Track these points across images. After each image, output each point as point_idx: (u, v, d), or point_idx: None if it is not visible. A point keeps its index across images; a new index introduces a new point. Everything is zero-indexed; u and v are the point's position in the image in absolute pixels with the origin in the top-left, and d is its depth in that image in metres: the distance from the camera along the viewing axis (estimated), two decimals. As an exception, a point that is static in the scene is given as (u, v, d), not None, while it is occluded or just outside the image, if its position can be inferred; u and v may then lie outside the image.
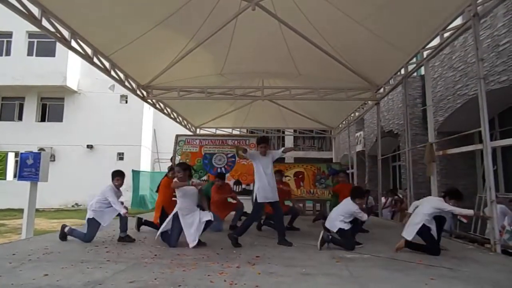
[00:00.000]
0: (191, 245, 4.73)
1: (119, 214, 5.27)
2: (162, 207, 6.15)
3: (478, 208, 8.54)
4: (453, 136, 6.97)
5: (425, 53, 6.78)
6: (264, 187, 5.17)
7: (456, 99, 9.07)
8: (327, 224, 5.18)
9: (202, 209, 5.21)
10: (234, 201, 7.06)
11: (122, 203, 5.52)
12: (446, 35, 6.09)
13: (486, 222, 6.43)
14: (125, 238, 5.20)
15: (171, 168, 6.75)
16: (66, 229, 5.21)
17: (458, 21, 5.89)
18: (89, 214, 5.20)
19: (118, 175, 5.51)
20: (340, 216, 5.04)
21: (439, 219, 4.66)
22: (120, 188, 5.55)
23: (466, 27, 5.58)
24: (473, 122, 5.62)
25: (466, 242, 5.70)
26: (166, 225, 5.01)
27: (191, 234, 4.81)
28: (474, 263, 4.11)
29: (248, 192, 8.46)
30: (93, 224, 5.16)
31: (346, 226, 4.96)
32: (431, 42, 6.52)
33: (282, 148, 5.49)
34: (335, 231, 5.02)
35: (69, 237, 5.24)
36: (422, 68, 7.68)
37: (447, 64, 9.69)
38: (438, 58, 9.73)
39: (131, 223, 6.46)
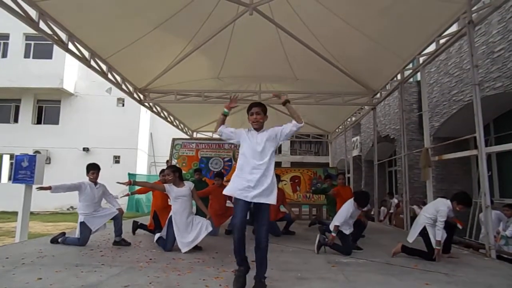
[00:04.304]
0: (183, 251, 4.70)
1: (113, 218, 5.24)
2: (154, 211, 6.14)
3: (474, 214, 8.59)
4: (448, 142, 7.02)
5: (421, 59, 6.84)
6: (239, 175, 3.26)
7: (452, 104, 9.14)
8: (330, 227, 5.13)
9: (203, 214, 5.18)
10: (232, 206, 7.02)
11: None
12: (442, 41, 6.15)
13: (481, 227, 6.45)
14: (120, 242, 5.15)
15: (162, 171, 6.75)
16: (60, 239, 5.15)
17: (453, 28, 5.97)
18: (80, 218, 5.15)
19: (93, 168, 5.30)
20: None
21: (448, 225, 4.57)
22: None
23: (461, 33, 5.64)
24: (469, 127, 5.66)
25: (461, 247, 5.71)
26: (163, 230, 5.00)
27: (184, 241, 4.75)
28: (469, 268, 4.12)
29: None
30: (85, 228, 5.11)
31: (347, 230, 4.89)
32: (427, 48, 6.59)
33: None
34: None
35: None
36: (418, 74, 7.74)
37: (443, 70, 9.78)
38: (434, 64, 9.82)
39: (126, 228, 6.45)
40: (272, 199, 3.15)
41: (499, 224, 6.38)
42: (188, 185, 5.02)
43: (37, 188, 5.13)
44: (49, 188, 4.92)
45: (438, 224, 4.35)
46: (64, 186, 5.06)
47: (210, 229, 4.86)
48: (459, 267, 4.12)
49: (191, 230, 4.82)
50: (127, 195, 6.81)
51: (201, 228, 4.81)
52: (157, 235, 5.06)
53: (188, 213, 4.92)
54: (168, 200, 5.84)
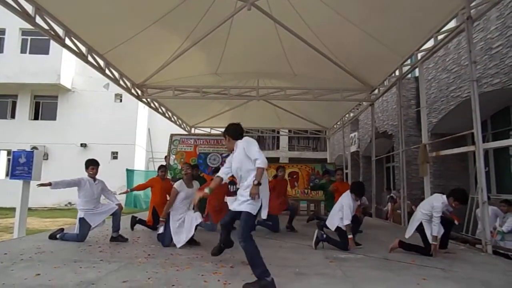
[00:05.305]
0: (178, 246, 4.74)
1: (112, 214, 5.25)
2: (153, 207, 6.14)
3: (471, 209, 8.64)
4: (446, 138, 7.03)
5: (419, 55, 6.83)
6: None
7: (450, 101, 9.16)
8: (328, 223, 5.14)
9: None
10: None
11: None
12: (440, 37, 6.15)
13: (478, 223, 6.49)
14: (117, 238, 5.16)
15: (160, 166, 6.76)
16: (58, 235, 5.15)
17: (452, 24, 5.96)
18: (80, 214, 5.15)
19: (92, 164, 5.31)
20: (339, 212, 4.92)
21: (446, 221, 4.60)
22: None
23: (459, 29, 5.63)
24: (466, 123, 5.68)
25: (458, 243, 5.76)
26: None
27: (178, 238, 4.81)
28: (466, 263, 4.15)
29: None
30: (84, 224, 5.11)
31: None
32: (425, 44, 6.58)
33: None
34: (333, 229, 4.99)
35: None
36: (416, 69, 7.73)
37: (441, 66, 9.78)
38: (432, 60, 9.81)
39: (124, 223, 6.46)
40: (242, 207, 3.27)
41: (495, 220, 6.42)
42: (196, 186, 5.13)
43: (37, 185, 5.13)
44: (49, 184, 4.91)
45: (434, 219, 4.38)
46: (64, 182, 5.06)
47: (200, 220, 4.90)
48: (456, 263, 4.15)
49: (183, 225, 4.89)
50: (126, 192, 6.82)
51: (192, 221, 4.87)
52: (161, 229, 5.11)
53: (186, 211, 4.99)
54: (167, 196, 5.85)
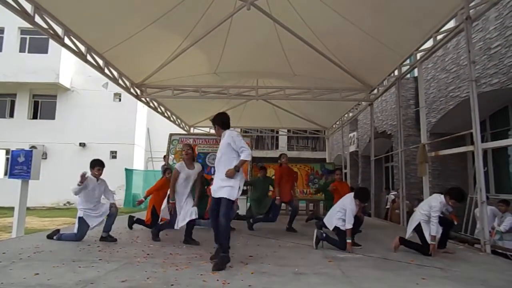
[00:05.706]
0: (177, 227, 4.87)
1: (108, 214, 5.25)
2: (153, 207, 6.13)
3: (469, 209, 8.65)
4: (445, 138, 7.04)
5: (418, 55, 6.84)
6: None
7: (449, 100, 9.17)
8: (326, 221, 5.12)
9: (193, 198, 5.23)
10: None
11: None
12: (439, 37, 6.16)
13: (476, 223, 6.51)
14: (106, 238, 5.12)
15: (166, 169, 6.74)
16: (55, 237, 5.11)
17: (451, 24, 5.97)
18: (79, 213, 5.14)
19: (99, 165, 5.27)
20: (338, 212, 4.89)
21: (445, 221, 4.61)
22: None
23: (458, 29, 5.64)
24: (465, 123, 5.69)
25: (456, 243, 5.76)
26: (163, 213, 5.14)
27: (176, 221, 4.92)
28: (464, 263, 4.16)
29: (244, 192, 8.42)
30: (83, 223, 5.10)
31: (343, 225, 4.85)
32: (424, 44, 6.59)
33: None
34: (331, 229, 4.98)
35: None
36: (416, 69, 7.74)
37: (440, 66, 9.79)
38: (431, 60, 9.83)
39: (123, 223, 6.45)
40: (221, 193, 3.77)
41: (494, 220, 6.43)
42: (197, 167, 5.10)
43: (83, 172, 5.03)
44: (82, 181, 4.91)
45: (432, 219, 4.40)
46: (80, 190, 5.03)
47: (195, 216, 4.92)
48: (455, 262, 4.16)
49: (181, 210, 4.94)
50: (141, 201, 6.86)
51: (187, 213, 4.90)
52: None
53: (187, 195, 5.01)
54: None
